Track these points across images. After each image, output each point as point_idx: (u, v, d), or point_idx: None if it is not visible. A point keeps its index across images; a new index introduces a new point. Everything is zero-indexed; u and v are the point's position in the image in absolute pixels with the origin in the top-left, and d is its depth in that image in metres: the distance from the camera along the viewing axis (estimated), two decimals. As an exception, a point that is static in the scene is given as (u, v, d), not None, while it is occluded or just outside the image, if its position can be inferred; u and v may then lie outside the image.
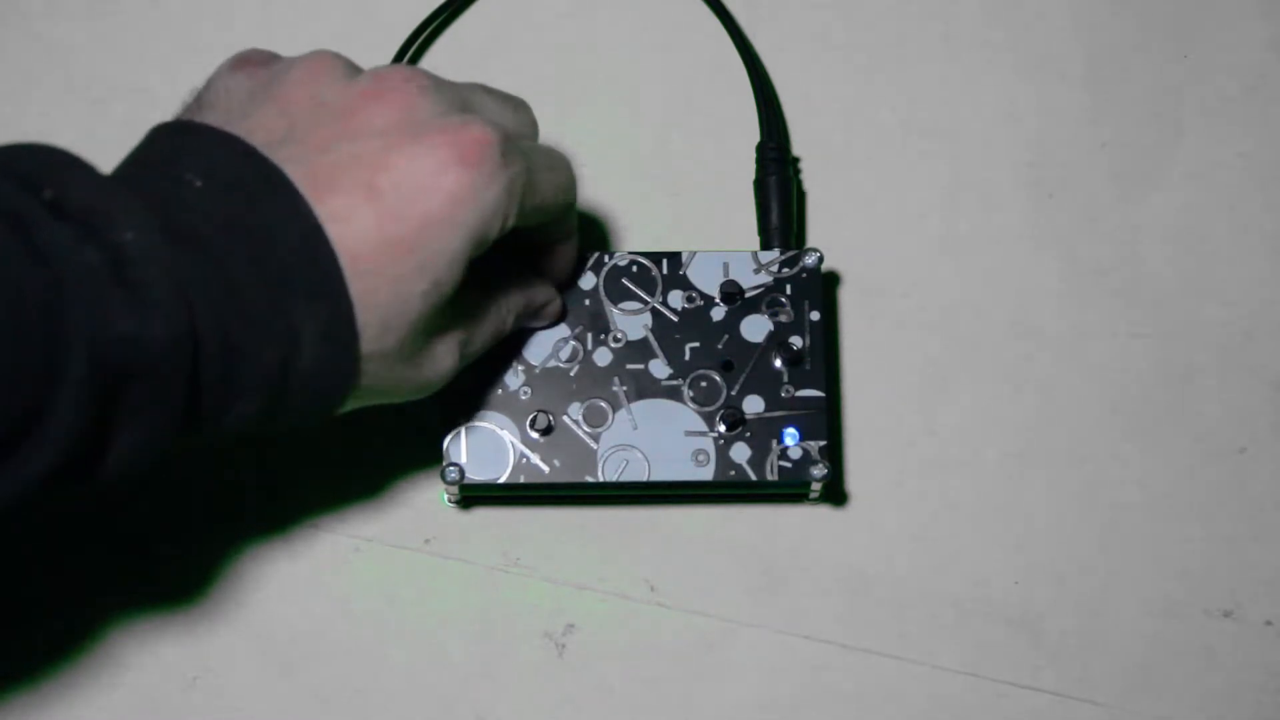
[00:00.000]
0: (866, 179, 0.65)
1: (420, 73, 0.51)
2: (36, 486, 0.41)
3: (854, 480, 0.62)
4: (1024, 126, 0.66)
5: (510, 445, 0.58)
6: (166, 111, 0.66)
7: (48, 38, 0.67)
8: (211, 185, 0.45)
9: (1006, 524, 0.62)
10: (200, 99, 0.52)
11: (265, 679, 0.60)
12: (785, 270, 0.60)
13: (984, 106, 0.66)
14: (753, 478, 0.58)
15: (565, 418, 0.58)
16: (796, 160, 0.65)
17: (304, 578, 0.61)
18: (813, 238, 0.64)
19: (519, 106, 0.54)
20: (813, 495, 0.60)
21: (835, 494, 0.61)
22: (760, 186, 0.63)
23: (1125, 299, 0.64)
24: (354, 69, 0.51)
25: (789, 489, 0.59)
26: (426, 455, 0.60)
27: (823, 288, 0.59)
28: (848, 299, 0.64)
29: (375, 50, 0.66)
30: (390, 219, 0.47)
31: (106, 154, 0.64)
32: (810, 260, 0.60)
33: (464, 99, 0.51)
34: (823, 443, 0.58)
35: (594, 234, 0.64)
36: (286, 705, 0.60)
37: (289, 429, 0.48)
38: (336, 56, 0.51)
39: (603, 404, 0.58)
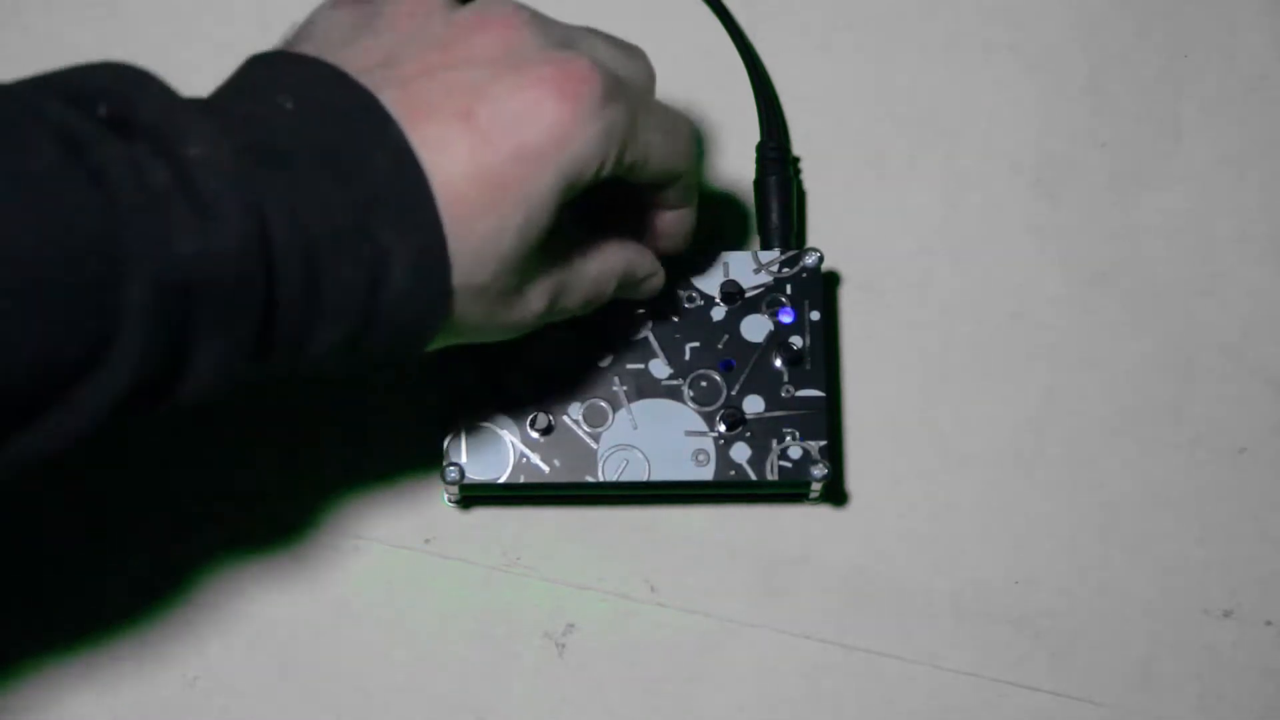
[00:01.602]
0: (866, 179, 0.65)
1: (526, 6, 0.50)
2: (110, 412, 0.40)
3: (854, 480, 0.62)
4: (1024, 126, 0.66)
5: (510, 445, 0.58)
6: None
7: (48, 38, 0.67)
8: (303, 108, 0.45)
9: (1006, 524, 0.62)
10: (300, 32, 0.51)
11: (265, 679, 0.60)
12: (785, 270, 0.60)
13: (984, 106, 0.66)
14: (753, 478, 0.58)
15: (565, 417, 0.58)
16: (796, 160, 0.65)
17: (304, 577, 0.61)
18: (813, 237, 0.64)
19: (634, 54, 0.53)
20: (813, 495, 0.60)
21: (835, 494, 0.61)
22: (760, 186, 0.63)
23: (1125, 299, 0.64)
24: (456, 3, 0.51)
25: (789, 489, 0.59)
26: (426, 455, 0.60)
27: (823, 287, 0.60)
28: (848, 299, 0.64)
29: (375, 50, 0.66)
30: (485, 148, 0.46)
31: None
32: (810, 260, 0.60)
33: (571, 37, 0.51)
34: (823, 443, 0.58)
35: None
36: (286, 705, 0.60)
37: (377, 366, 0.47)
38: None
39: (603, 404, 0.58)
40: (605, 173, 0.49)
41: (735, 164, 0.64)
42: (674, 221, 0.56)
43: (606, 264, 0.54)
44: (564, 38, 0.50)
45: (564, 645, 0.60)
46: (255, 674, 0.60)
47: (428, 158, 0.45)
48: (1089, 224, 0.65)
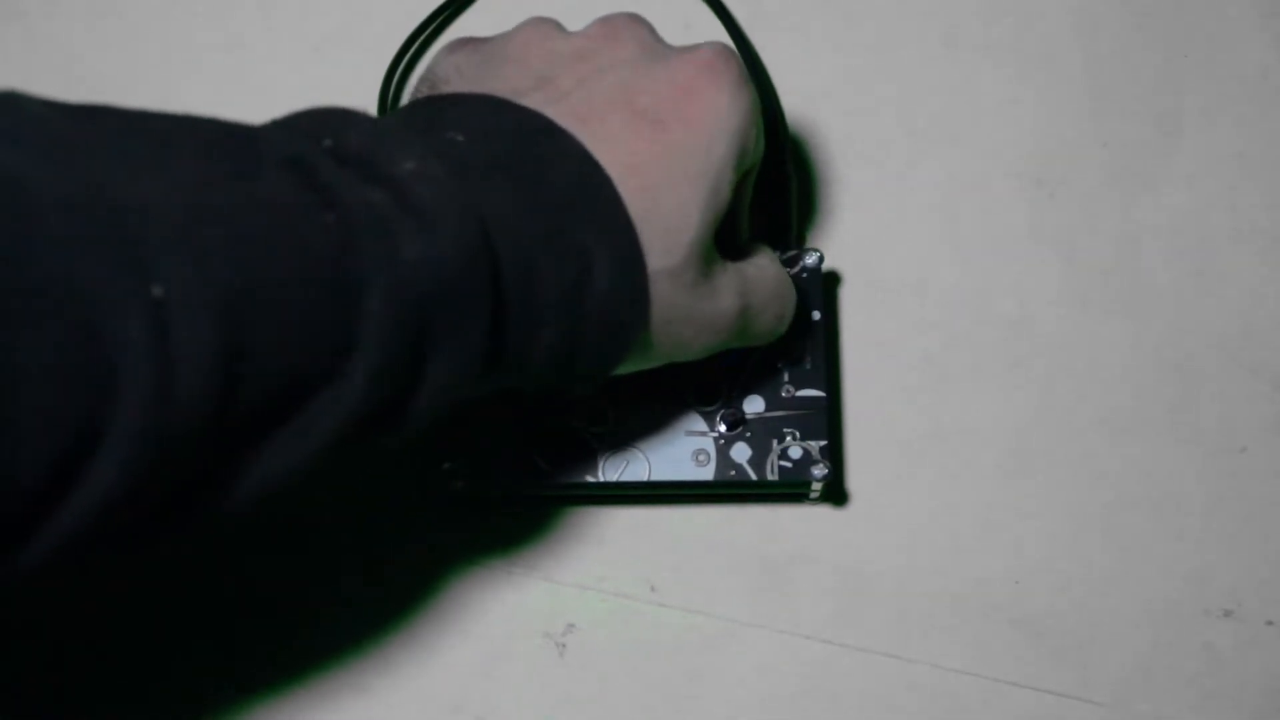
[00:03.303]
0: (867, 178, 0.65)
1: (640, 16, 0.53)
2: (348, 426, 0.41)
3: (854, 480, 0.62)
4: (1024, 126, 0.66)
5: (511, 445, 0.58)
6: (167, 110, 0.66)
7: (48, 38, 0.67)
8: (474, 137, 0.46)
9: (1006, 524, 0.62)
10: (432, 82, 0.53)
11: (260, 674, 0.60)
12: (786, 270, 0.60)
13: (984, 106, 0.66)
14: (753, 478, 0.58)
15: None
16: (798, 159, 0.65)
17: (305, 578, 0.61)
18: (812, 237, 0.64)
19: None
20: (813, 495, 0.60)
21: (836, 494, 0.62)
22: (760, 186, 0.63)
23: (1125, 299, 0.64)
24: (563, 27, 0.53)
25: (789, 489, 0.59)
26: (427, 456, 0.60)
27: (823, 287, 0.60)
28: (847, 298, 0.64)
29: (375, 50, 0.66)
30: (657, 132, 0.48)
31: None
32: (811, 260, 0.60)
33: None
34: (823, 442, 0.58)
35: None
36: (284, 704, 0.60)
37: (581, 378, 0.48)
38: (549, 19, 0.53)
39: (604, 404, 0.58)
40: (760, 148, 0.51)
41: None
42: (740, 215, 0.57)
43: (769, 257, 0.56)
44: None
45: (564, 645, 0.60)
46: (251, 671, 0.60)
47: (605, 153, 0.47)
48: (1089, 224, 0.65)
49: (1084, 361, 0.63)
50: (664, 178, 0.48)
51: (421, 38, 0.67)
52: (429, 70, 0.53)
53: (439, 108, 0.48)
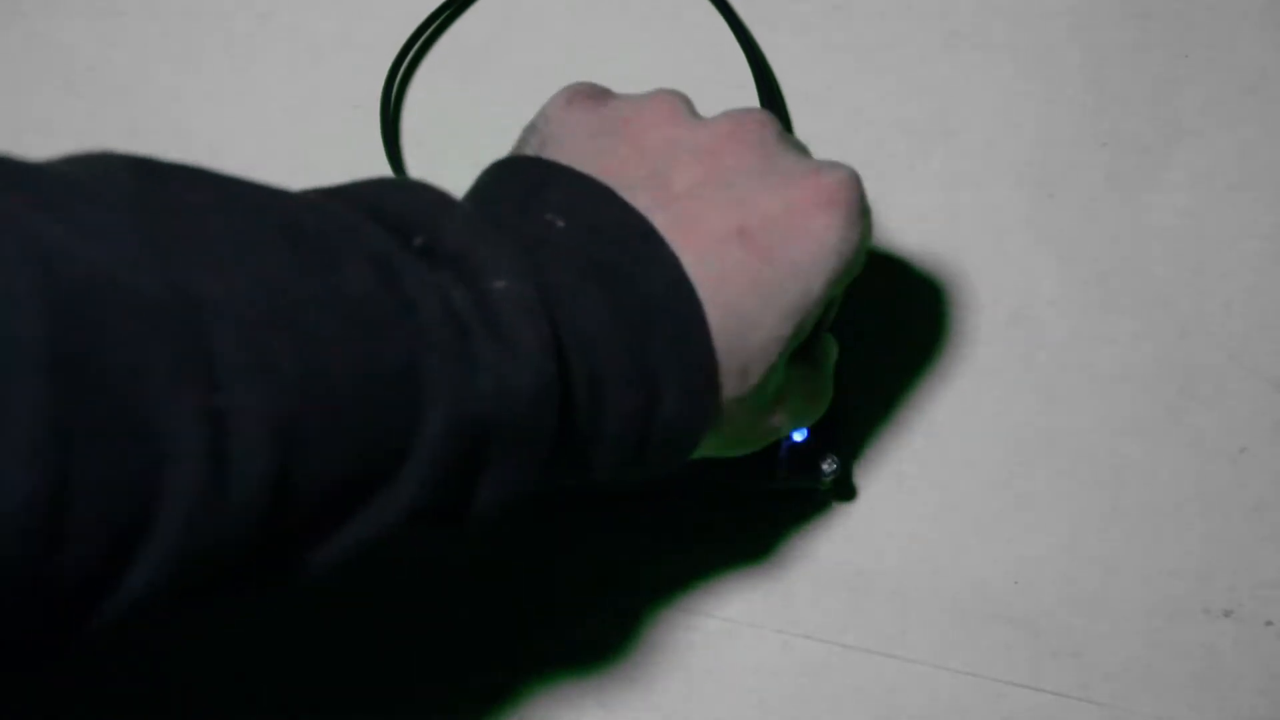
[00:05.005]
0: (867, 177, 0.65)
1: (771, 115, 0.50)
2: (392, 531, 0.40)
3: (854, 480, 0.62)
4: (1024, 126, 0.66)
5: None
6: (167, 110, 0.66)
7: (48, 38, 0.67)
8: (574, 227, 0.45)
9: (1006, 524, 0.62)
10: (542, 134, 0.51)
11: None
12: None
13: (984, 106, 0.66)
14: (761, 475, 0.58)
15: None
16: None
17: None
18: (813, 237, 0.64)
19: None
20: (822, 490, 0.60)
21: (844, 489, 0.62)
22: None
23: (1125, 299, 0.64)
24: (695, 110, 0.51)
25: (798, 484, 0.59)
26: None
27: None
28: (848, 297, 0.64)
29: (375, 50, 0.66)
30: (760, 262, 0.46)
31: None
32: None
33: (803, 145, 0.51)
34: (831, 438, 0.58)
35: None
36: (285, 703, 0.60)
37: (638, 478, 0.48)
38: (681, 95, 0.51)
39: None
40: (858, 271, 0.50)
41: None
42: (835, 305, 0.55)
43: (829, 361, 0.55)
44: (806, 150, 0.51)
45: (564, 645, 0.60)
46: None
47: (701, 273, 0.45)
48: (1089, 224, 0.65)
49: (1084, 361, 0.63)
50: (756, 309, 0.46)
51: (422, 38, 0.67)
52: (541, 118, 0.51)
53: (543, 179, 0.47)
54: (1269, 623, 0.60)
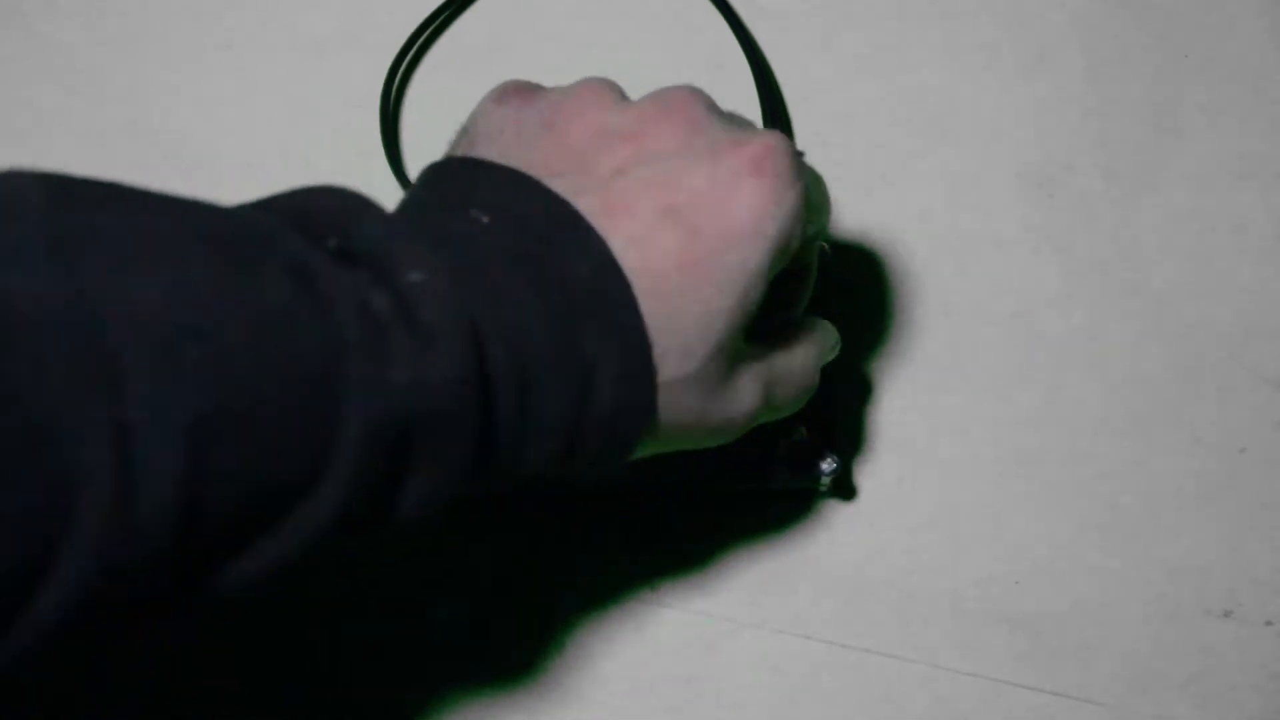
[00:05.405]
0: (867, 177, 0.65)
1: (701, 91, 0.50)
2: (321, 535, 0.40)
3: (854, 479, 0.62)
4: (1024, 126, 0.66)
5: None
6: (166, 111, 0.66)
7: (48, 38, 0.67)
8: (499, 222, 0.45)
9: (1006, 524, 0.62)
10: (471, 135, 0.50)
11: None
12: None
13: (984, 106, 0.66)
14: (761, 475, 0.58)
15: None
16: (800, 156, 0.65)
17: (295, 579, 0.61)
18: (813, 237, 0.64)
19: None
20: (821, 490, 0.60)
21: (844, 489, 0.62)
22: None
23: (1125, 299, 0.64)
24: (625, 94, 0.50)
25: (798, 484, 0.59)
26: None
27: (827, 282, 0.60)
28: (848, 297, 0.64)
29: (375, 50, 0.66)
30: (691, 237, 0.46)
31: (105, 154, 0.65)
32: (814, 255, 0.60)
33: (743, 121, 0.50)
34: (831, 437, 0.58)
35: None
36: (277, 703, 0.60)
37: (581, 471, 0.47)
38: (608, 82, 0.50)
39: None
40: (800, 242, 0.49)
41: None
42: (807, 285, 0.55)
43: (813, 345, 0.53)
44: (740, 121, 0.50)
45: (565, 645, 0.60)
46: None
47: (632, 256, 0.45)
48: (1089, 224, 0.65)
49: (1084, 361, 0.63)
50: (689, 284, 0.46)
51: (422, 38, 0.67)
52: (471, 120, 0.51)
53: (470, 178, 0.47)
54: (1269, 623, 0.60)
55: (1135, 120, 0.66)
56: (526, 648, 0.60)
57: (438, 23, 0.67)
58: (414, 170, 0.65)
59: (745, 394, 0.49)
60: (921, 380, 0.63)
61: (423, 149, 0.66)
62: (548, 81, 0.66)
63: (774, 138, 0.48)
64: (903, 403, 0.63)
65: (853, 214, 0.65)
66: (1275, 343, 0.63)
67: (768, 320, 0.49)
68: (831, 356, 0.56)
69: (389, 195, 0.64)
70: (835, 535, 0.61)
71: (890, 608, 0.61)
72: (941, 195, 0.65)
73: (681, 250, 0.45)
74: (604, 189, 0.46)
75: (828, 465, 0.58)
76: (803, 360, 0.52)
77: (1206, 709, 0.60)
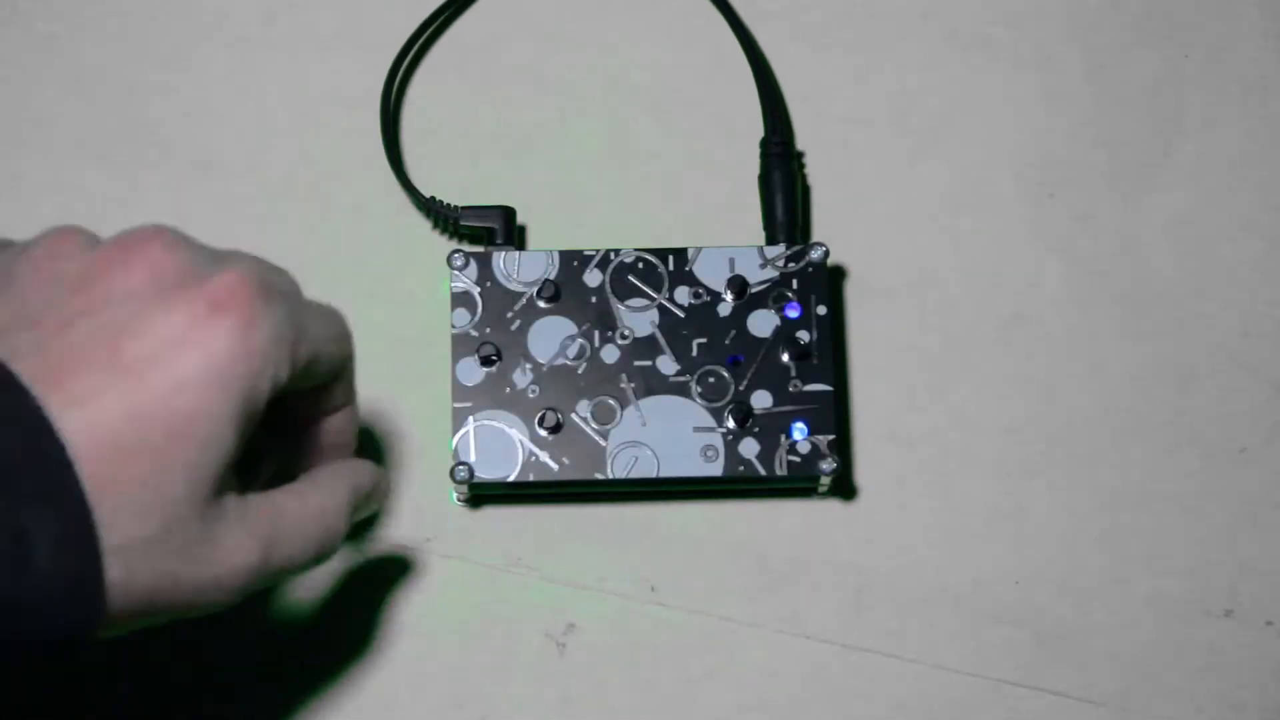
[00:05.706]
0: (868, 177, 0.65)
1: (168, 229, 0.46)
2: None
3: (855, 479, 0.62)
4: (1024, 126, 0.66)
5: (519, 444, 0.58)
6: (166, 110, 0.66)
7: (48, 37, 0.66)
8: None
9: (1006, 524, 0.62)
10: None
11: (263, 677, 0.60)
12: (791, 265, 0.60)
13: (985, 106, 0.66)
14: (762, 473, 0.58)
15: (574, 415, 0.58)
16: (801, 155, 0.65)
17: (304, 577, 0.60)
18: (816, 235, 0.64)
19: (281, 270, 0.48)
20: (821, 489, 0.60)
21: (844, 488, 0.62)
22: (765, 181, 0.63)
23: (1125, 299, 0.64)
24: (96, 239, 0.46)
25: (798, 483, 0.59)
26: (428, 453, 0.60)
27: (829, 281, 0.60)
28: (849, 296, 0.64)
29: (376, 50, 0.66)
30: (138, 389, 0.42)
31: (105, 154, 0.65)
32: (816, 254, 0.60)
33: (217, 255, 0.46)
34: (831, 436, 0.58)
35: (598, 231, 0.64)
36: (285, 704, 0.59)
37: (52, 653, 0.42)
38: (77, 229, 0.46)
39: (611, 401, 0.58)
40: (283, 379, 0.45)
41: (740, 160, 0.64)
42: (343, 421, 0.52)
43: (336, 492, 0.50)
44: (210, 255, 0.46)
45: (564, 645, 0.60)
46: (253, 672, 0.59)
47: (73, 417, 0.41)
48: (1089, 224, 0.65)
49: (1084, 361, 0.63)
50: (138, 439, 0.42)
51: (422, 38, 0.66)
52: None
53: None
54: (1269, 623, 0.61)
55: (1135, 120, 0.66)
56: (526, 647, 0.60)
57: (438, 23, 0.67)
58: (414, 170, 0.64)
59: (235, 552, 0.45)
60: (922, 380, 0.63)
61: (423, 149, 0.66)
62: (548, 81, 0.66)
63: (243, 270, 0.45)
64: (903, 403, 0.63)
65: (853, 214, 0.65)
66: (1275, 343, 0.64)
67: (272, 464, 0.47)
68: (376, 505, 0.54)
69: (389, 195, 0.64)
70: (835, 535, 0.61)
71: (890, 607, 0.61)
72: (942, 194, 0.65)
73: (128, 404, 0.42)
74: (45, 348, 0.43)
75: (828, 465, 0.58)
76: (318, 509, 0.49)
77: (1206, 709, 0.60)
